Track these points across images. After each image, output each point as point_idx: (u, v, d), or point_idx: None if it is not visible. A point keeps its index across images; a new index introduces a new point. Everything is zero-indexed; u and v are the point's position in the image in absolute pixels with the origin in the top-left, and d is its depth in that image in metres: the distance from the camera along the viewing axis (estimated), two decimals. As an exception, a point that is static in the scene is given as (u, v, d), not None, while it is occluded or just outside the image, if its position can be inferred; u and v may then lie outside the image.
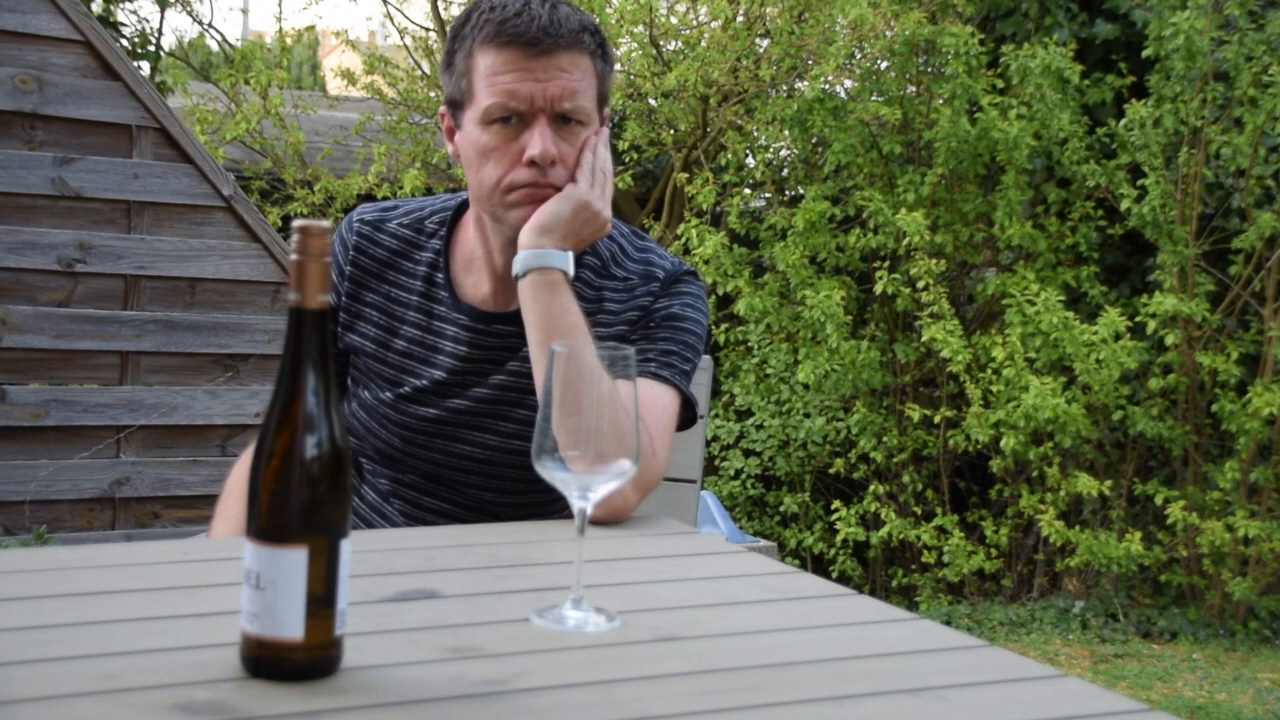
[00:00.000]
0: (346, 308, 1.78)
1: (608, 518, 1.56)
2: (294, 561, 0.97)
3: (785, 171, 7.22)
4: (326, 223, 1.02)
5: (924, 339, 5.77)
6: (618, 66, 6.85)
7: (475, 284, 1.76)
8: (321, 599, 0.98)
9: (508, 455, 1.73)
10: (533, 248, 1.62)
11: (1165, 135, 5.60)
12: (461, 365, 1.74)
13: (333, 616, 0.99)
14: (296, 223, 1.01)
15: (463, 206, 1.80)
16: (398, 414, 1.75)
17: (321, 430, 0.99)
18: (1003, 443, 5.51)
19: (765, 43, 6.95)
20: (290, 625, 0.97)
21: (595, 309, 1.74)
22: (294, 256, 1.00)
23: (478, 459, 1.74)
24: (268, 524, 0.98)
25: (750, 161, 6.90)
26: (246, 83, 7.24)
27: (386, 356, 1.76)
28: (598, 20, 1.77)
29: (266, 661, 0.98)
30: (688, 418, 1.77)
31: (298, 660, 0.98)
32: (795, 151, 6.96)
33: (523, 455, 1.68)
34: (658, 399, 1.67)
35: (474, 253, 1.76)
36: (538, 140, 1.61)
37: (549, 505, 1.74)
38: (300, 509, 0.98)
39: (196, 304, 4.50)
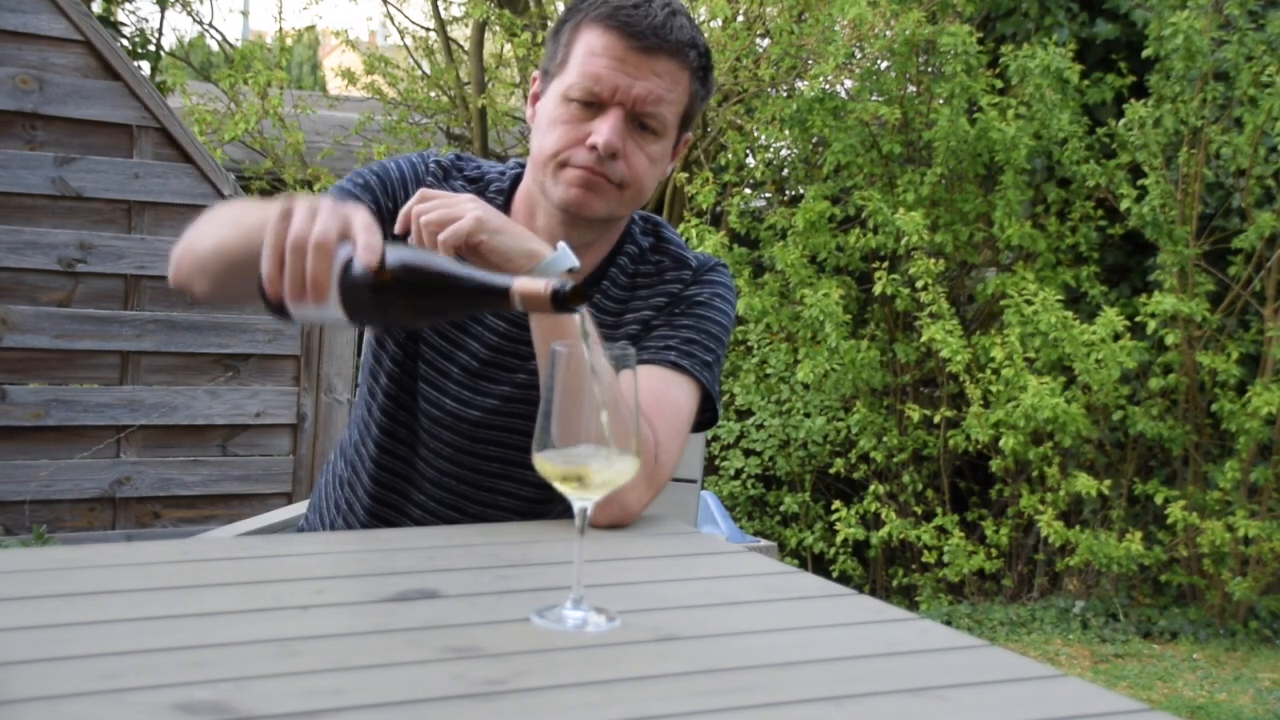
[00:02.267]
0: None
1: (613, 521, 1.55)
2: None
3: (785, 171, 7.22)
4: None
5: (923, 339, 5.77)
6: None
7: None
8: None
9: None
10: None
11: (1165, 135, 5.60)
12: (502, 344, 1.71)
13: None
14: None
15: (514, 184, 1.77)
16: (431, 390, 1.73)
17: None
18: (1002, 442, 5.51)
19: (765, 42, 6.96)
20: None
21: (629, 296, 1.74)
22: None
23: (507, 443, 1.72)
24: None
25: (750, 161, 6.90)
26: (246, 83, 7.24)
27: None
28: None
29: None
30: (708, 417, 1.73)
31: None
32: (795, 151, 6.96)
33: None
34: (674, 397, 1.64)
35: None
36: (606, 129, 1.60)
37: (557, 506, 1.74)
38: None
39: (197, 304, 4.50)
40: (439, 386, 1.73)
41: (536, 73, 1.73)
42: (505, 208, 1.75)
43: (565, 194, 1.63)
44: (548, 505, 1.75)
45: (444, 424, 1.73)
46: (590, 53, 1.62)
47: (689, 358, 1.68)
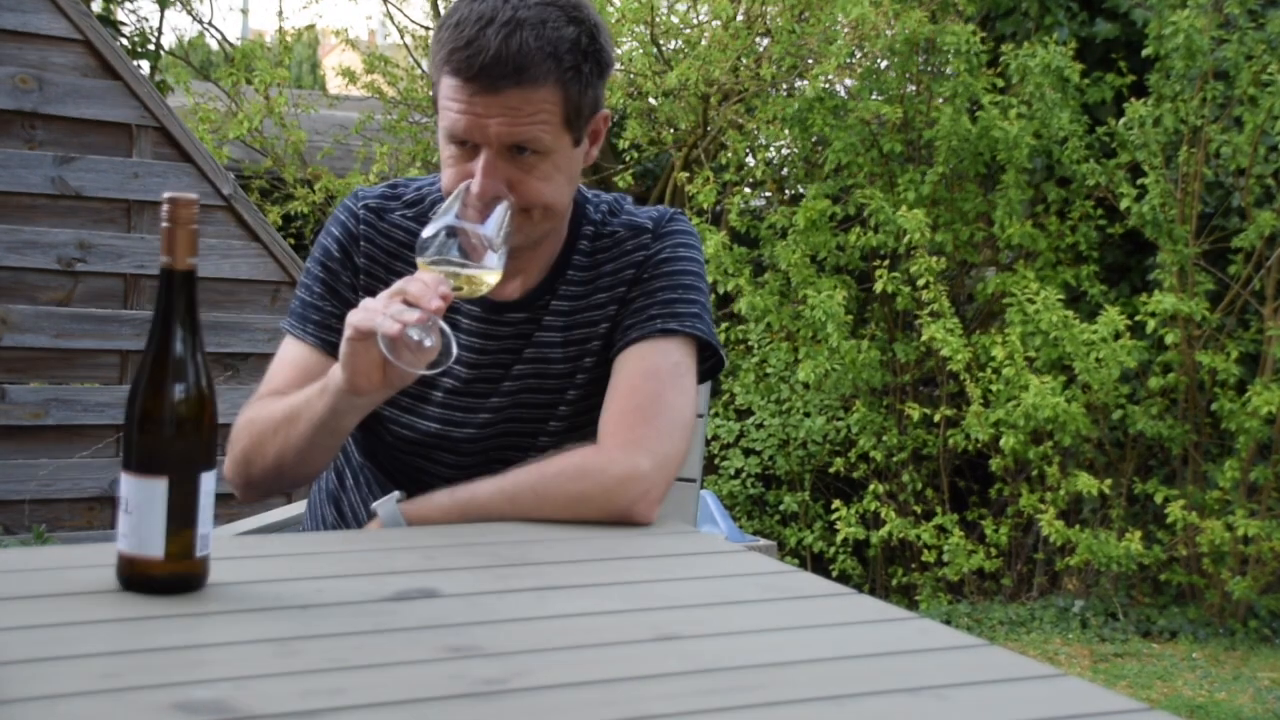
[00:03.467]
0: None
1: (615, 518, 1.54)
2: (156, 490, 1.13)
3: (785, 170, 7.22)
4: (193, 195, 1.19)
5: (924, 338, 5.77)
6: (618, 66, 6.85)
7: None
8: (181, 522, 1.14)
9: (527, 439, 1.72)
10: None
11: (1165, 134, 5.60)
12: (479, 359, 1.71)
13: (193, 539, 1.15)
14: (166, 194, 1.18)
15: None
16: (414, 418, 1.72)
17: (186, 379, 1.16)
18: (1002, 442, 5.51)
19: (765, 41, 6.96)
20: (153, 545, 1.13)
21: (593, 275, 1.73)
22: (164, 224, 1.17)
23: (500, 446, 1.72)
24: (137, 457, 1.15)
25: (750, 160, 6.90)
26: (248, 82, 7.24)
27: None
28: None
29: (135, 577, 1.15)
30: (713, 364, 1.72)
31: (159, 576, 1.15)
32: (796, 150, 6.96)
33: (539, 447, 1.69)
34: (665, 392, 1.63)
35: None
36: (478, 178, 1.56)
37: None
38: (163, 445, 1.15)
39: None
40: (420, 413, 1.72)
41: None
42: None
43: None
44: None
45: (441, 446, 1.72)
46: (446, 98, 1.58)
47: (675, 318, 1.67)
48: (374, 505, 1.59)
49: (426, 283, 1.44)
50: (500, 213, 1.54)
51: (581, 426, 1.71)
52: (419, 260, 1.49)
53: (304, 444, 1.60)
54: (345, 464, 1.83)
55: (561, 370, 1.72)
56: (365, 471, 1.79)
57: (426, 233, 1.49)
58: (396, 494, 1.58)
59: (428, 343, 1.42)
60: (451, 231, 1.49)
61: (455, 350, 1.46)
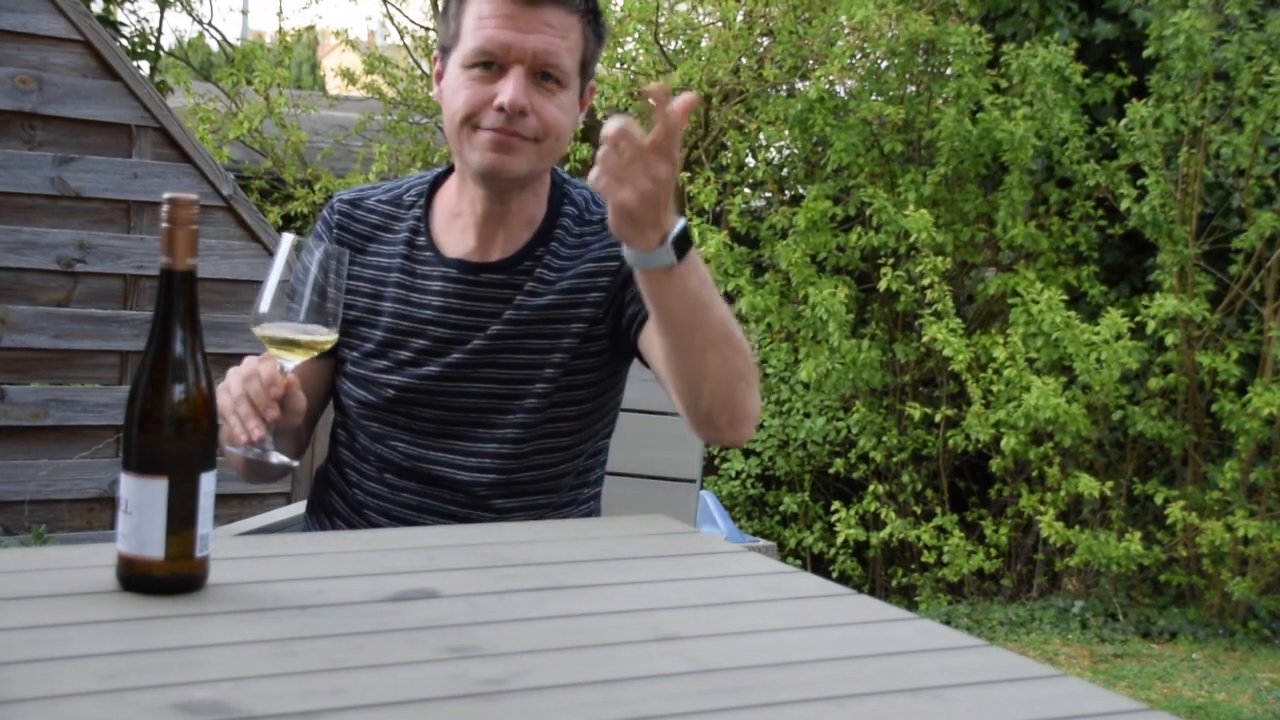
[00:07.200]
0: None
1: (731, 416, 1.60)
2: (156, 490, 1.13)
3: (786, 171, 7.23)
4: (193, 195, 1.19)
5: (925, 338, 5.77)
6: (620, 65, 6.86)
7: (461, 239, 1.78)
8: (181, 523, 1.14)
9: (509, 401, 1.74)
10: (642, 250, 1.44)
11: (1165, 135, 5.60)
12: (453, 318, 1.75)
13: (193, 539, 1.15)
14: (166, 195, 1.18)
15: (439, 176, 1.84)
16: (394, 377, 1.76)
17: (186, 379, 1.16)
18: (1003, 442, 5.51)
19: (767, 42, 6.96)
20: (153, 545, 1.13)
21: (581, 251, 1.76)
22: (164, 224, 1.18)
23: (481, 408, 1.75)
24: (137, 458, 1.15)
25: (751, 161, 6.91)
26: (249, 82, 7.25)
27: (378, 321, 1.78)
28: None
29: (135, 578, 1.15)
30: None
31: (159, 576, 1.14)
32: (796, 151, 6.96)
33: (525, 409, 1.72)
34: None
35: (457, 207, 1.78)
36: (510, 88, 1.63)
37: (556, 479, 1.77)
38: (163, 445, 1.14)
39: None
40: (390, 370, 1.76)
41: (436, 53, 1.77)
42: (427, 204, 1.80)
43: (482, 159, 1.67)
44: (526, 450, 1.76)
45: (411, 400, 1.75)
46: (479, 17, 1.66)
47: None
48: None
49: (263, 384, 1.53)
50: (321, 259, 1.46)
51: (576, 402, 1.75)
52: (255, 330, 1.49)
53: (238, 463, 1.67)
54: (344, 453, 1.84)
55: (547, 331, 1.74)
56: (363, 460, 1.80)
57: (263, 301, 1.47)
58: (683, 223, 1.44)
59: (272, 459, 1.53)
60: (287, 291, 1.46)
61: (281, 460, 1.55)
